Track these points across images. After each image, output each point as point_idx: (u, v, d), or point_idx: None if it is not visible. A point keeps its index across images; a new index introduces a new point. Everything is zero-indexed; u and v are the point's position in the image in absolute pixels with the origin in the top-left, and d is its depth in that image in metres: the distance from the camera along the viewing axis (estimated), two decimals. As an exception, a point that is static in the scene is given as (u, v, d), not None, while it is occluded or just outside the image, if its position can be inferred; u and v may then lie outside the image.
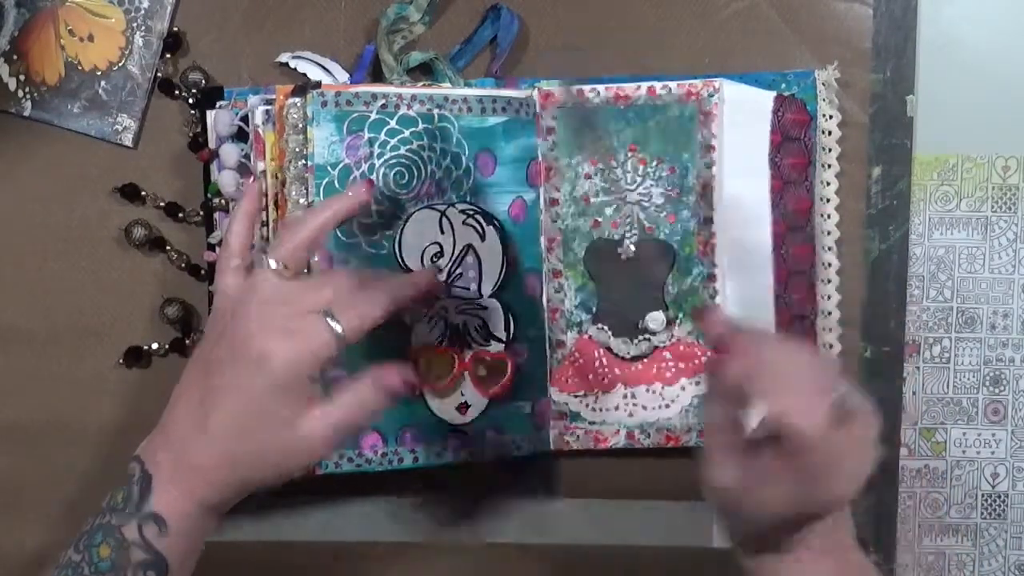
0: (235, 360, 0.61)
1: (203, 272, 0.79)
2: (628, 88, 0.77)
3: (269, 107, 0.73)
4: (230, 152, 0.75)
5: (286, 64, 0.77)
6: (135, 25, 0.78)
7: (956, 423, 0.82)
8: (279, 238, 0.64)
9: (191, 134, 0.78)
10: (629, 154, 0.77)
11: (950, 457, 0.82)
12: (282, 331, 0.60)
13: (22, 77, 0.78)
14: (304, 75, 0.77)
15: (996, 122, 0.80)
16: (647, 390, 0.79)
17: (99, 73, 0.78)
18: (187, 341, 0.79)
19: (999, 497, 0.82)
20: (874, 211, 0.79)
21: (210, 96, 0.77)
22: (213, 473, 0.62)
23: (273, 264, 0.62)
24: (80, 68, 0.78)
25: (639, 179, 0.77)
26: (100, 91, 0.78)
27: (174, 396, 0.64)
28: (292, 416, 0.61)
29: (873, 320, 0.80)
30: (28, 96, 0.78)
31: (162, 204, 0.78)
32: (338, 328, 0.61)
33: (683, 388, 0.79)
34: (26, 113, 0.78)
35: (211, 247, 0.77)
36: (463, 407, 0.74)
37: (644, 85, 0.77)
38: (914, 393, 0.81)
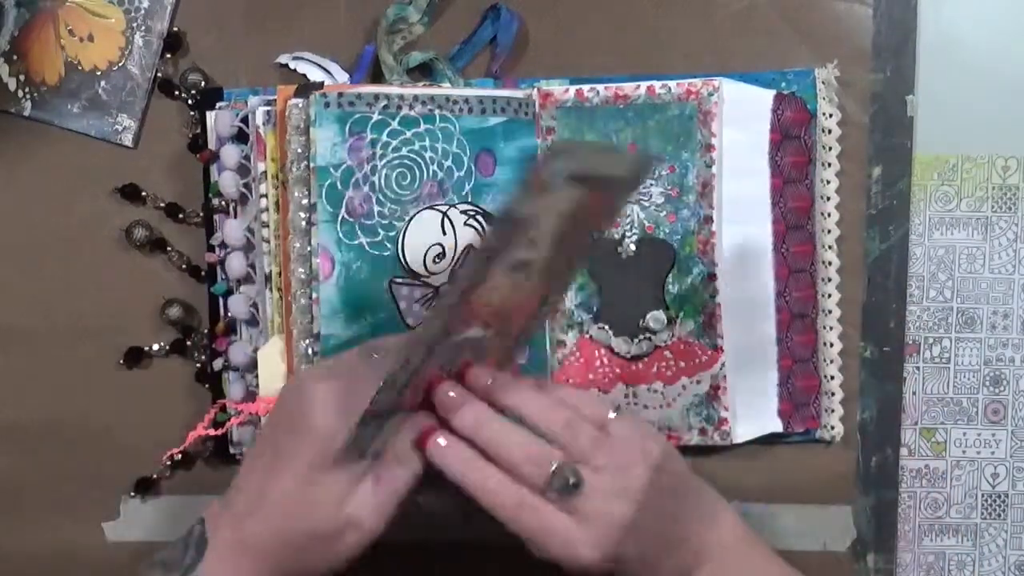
0: (291, 428, 0.61)
1: (203, 273, 0.79)
2: (627, 87, 0.77)
3: (270, 108, 0.73)
4: (231, 153, 0.75)
5: (286, 65, 0.77)
6: (135, 25, 0.78)
7: (956, 423, 0.82)
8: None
9: (191, 135, 0.78)
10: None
11: (950, 457, 0.82)
12: (337, 404, 0.60)
13: (22, 77, 0.78)
14: (304, 76, 0.77)
15: (996, 122, 0.80)
16: (648, 389, 0.79)
17: (99, 73, 0.78)
18: (188, 342, 0.79)
19: (999, 497, 0.82)
20: (874, 211, 0.79)
21: (209, 97, 0.77)
22: (270, 555, 0.61)
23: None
24: (80, 68, 0.78)
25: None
26: (100, 91, 0.78)
27: (243, 462, 0.64)
28: (342, 494, 0.61)
29: (873, 320, 0.80)
30: (28, 96, 0.78)
31: (162, 204, 0.78)
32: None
33: (684, 387, 0.79)
34: (26, 113, 0.78)
35: (211, 248, 0.77)
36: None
37: (643, 84, 0.77)
38: (914, 393, 0.81)
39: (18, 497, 0.80)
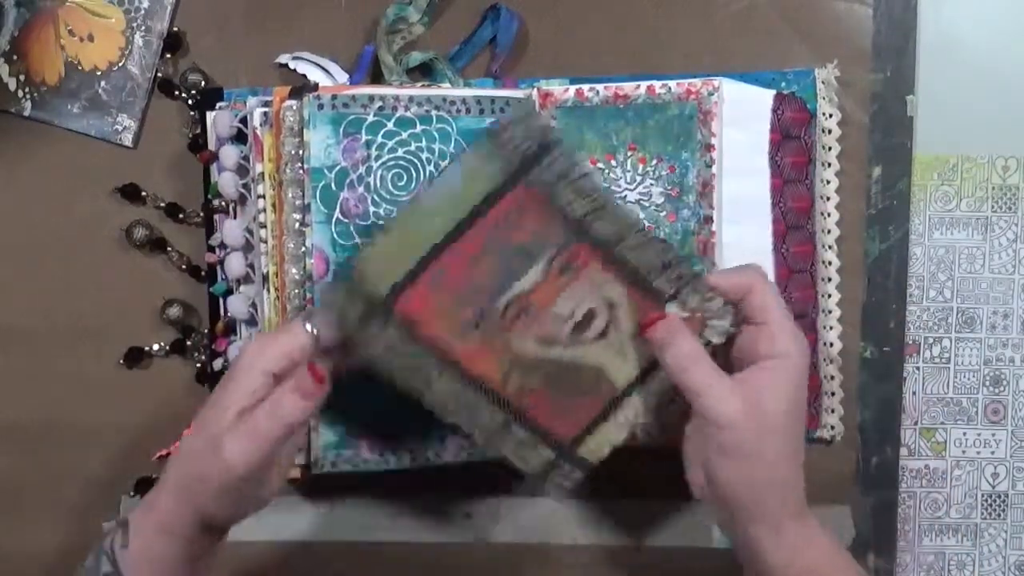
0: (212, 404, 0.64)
1: (203, 273, 0.79)
2: (627, 87, 0.77)
3: (267, 109, 0.73)
4: (230, 154, 0.75)
5: (285, 65, 0.77)
6: (135, 25, 0.78)
7: (956, 423, 0.81)
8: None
9: (191, 135, 0.78)
10: (629, 153, 0.77)
11: (950, 457, 0.82)
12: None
13: (22, 77, 0.78)
14: (303, 76, 0.77)
15: (996, 122, 0.80)
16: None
17: (99, 73, 0.78)
18: (188, 342, 0.79)
19: (999, 497, 0.82)
20: (874, 211, 0.79)
21: (209, 97, 0.77)
22: (177, 523, 0.64)
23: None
24: (80, 68, 0.78)
25: (639, 178, 0.77)
26: (100, 91, 0.78)
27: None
28: (219, 444, 0.63)
29: (873, 320, 0.80)
30: (28, 96, 0.78)
31: (162, 204, 0.78)
32: (313, 331, 0.64)
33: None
34: (26, 113, 0.78)
35: (211, 249, 0.77)
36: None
37: (643, 84, 0.77)
38: (914, 393, 0.81)
39: (18, 497, 0.81)
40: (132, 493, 0.80)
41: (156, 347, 0.79)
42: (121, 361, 0.79)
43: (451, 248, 0.65)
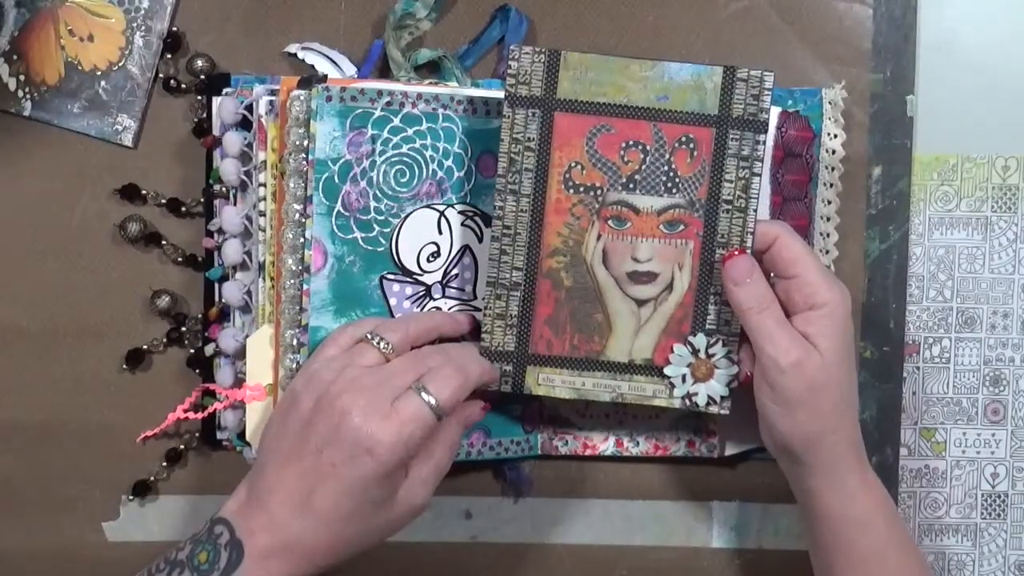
0: (337, 442, 0.62)
1: (200, 260, 0.78)
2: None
3: (273, 97, 0.73)
4: (233, 140, 0.75)
5: (294, 55, 0.77)
6: (135, 25, 0.78)
7: (956, 423, 0.81)
8: (392, 326, 0.69)
9: (195, 120, 0.78)
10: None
11: (950, 457, 0.82)
12: (382, 414, 0.62)
13: (22, 77, 0.78)
14: (312, 67, 0.77)
15: (996, 122, 0.80)
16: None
17: (99, 73, 0.78)
18: (183, 328, 0.79)
19: (999, 497, 0.82)
20: (874, 211, 0.79)
21: (216, 83, 0.77)
22: (322, 555, 0.63)
23: (382, 345, 0.67)
24: (80, 68, 0.78)
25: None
26: (100, 91, 0.78)
27: (264, 461, 0.65)
28: (395, 491, 0.64)
29: (873, 320, 0.80)
30: (28, 96, 0.78)
31: (163, 202, 0.78)
32: (432, 400, 0.64)
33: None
34: (26, 113, 0.78)
35: (210, 234, 0.77)
36: None
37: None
38: (914, 393, 0.81)
39: (18, 497, 0.80)
40: (130, 496, 0.80)
41: (153, 340, 0.79)
42: (124, 366, 0.79)
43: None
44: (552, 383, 0.71)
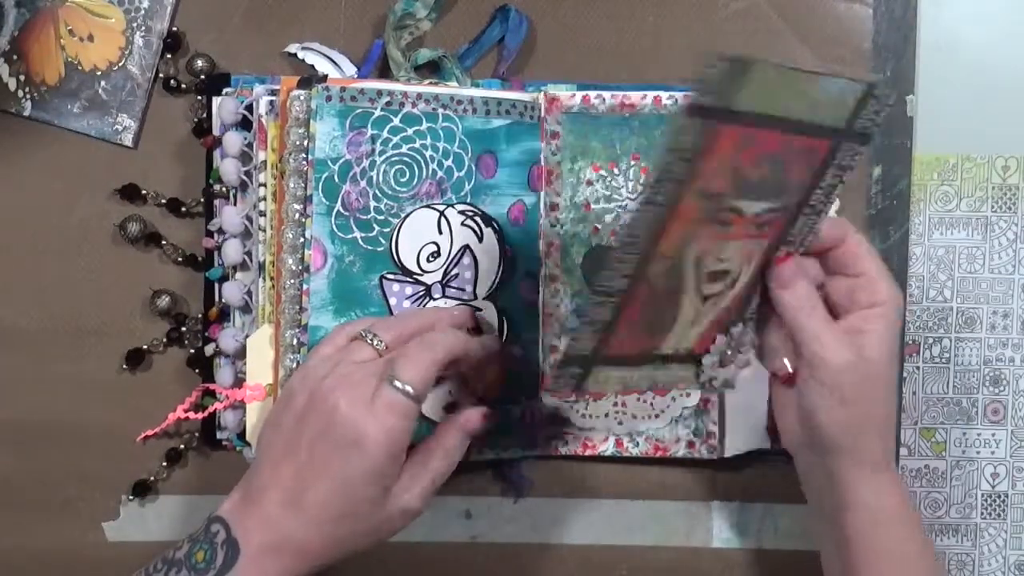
0: (328, 436, 0.63)
1: (200, 260, 0.78)
2: (634, 96, 0.77)
3: (273, 97, 0.73)
4: (233, 140, 0.75)
5: (294, 55, 0.77)
6: (135, 25, 0.78)
7: (956, 423, 0.81)
8: (387, 323, 0.69)
9: (195, 120, 0.78)
10: (632, 162, 0.77)
11: (950, 457, 0.82)
12: (367, 407, 0.63)
13: (22, 77, 0.78)
14: (312, 67, 0.77)
15: (996, 122, 0.80)
16: (637, 399, 0.79)
17: (99, 73, 0.78)
18: (183, 328, 0.79)
19: (999, 497, 0.82)
20: (874, 211, 0.79)
21: (216, 83, 0.77)
22: (315, 554, 0.63)
23: (375, 342, 0.67)
24: (80, 68, 0.78)
25: (640, 188, 0.77)
26: (100, 91, 0.78)
27: (259, 459, 0.65)
28: (389, 490, 0.64)
29: (873, 320, 0.79)
30: (28, 96, 0.78)
31: (163, 202, 0.78)
32: (401, 385, 0.63)
33: (673, 399, 0.79)
34: (26, 113, 0.78)
35: (210, 234, 0.77)
36: (452, 407, 0.74)
37: (650, 95, 0.77)
38: (914, 393, 0.81)
39: (18, 497, 0.80)
40: (130, 496, 0.80)
41: (154, 341, 0.79)
42: (124, 366, 0.79)
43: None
44: (609, 380, 0.68)
